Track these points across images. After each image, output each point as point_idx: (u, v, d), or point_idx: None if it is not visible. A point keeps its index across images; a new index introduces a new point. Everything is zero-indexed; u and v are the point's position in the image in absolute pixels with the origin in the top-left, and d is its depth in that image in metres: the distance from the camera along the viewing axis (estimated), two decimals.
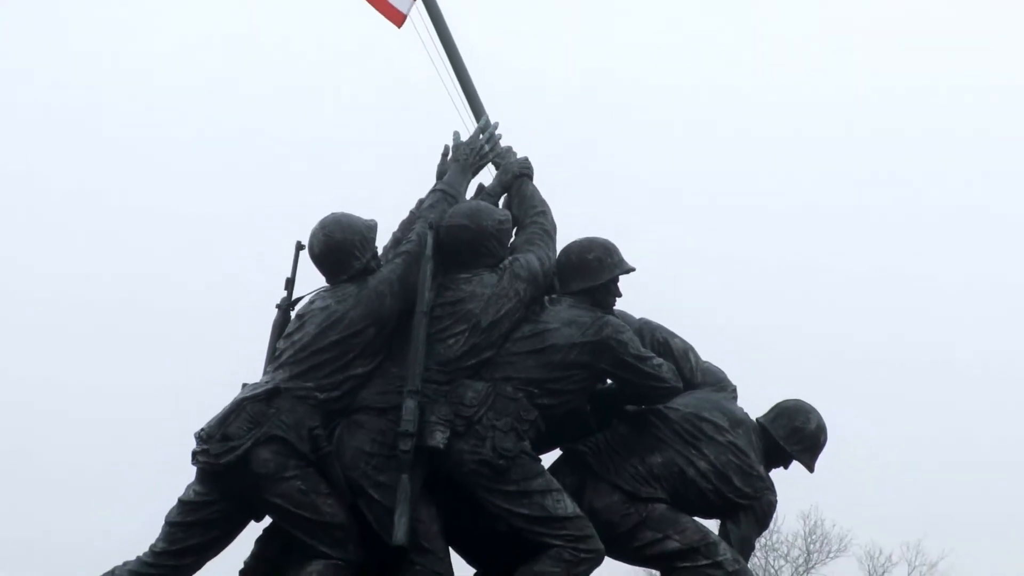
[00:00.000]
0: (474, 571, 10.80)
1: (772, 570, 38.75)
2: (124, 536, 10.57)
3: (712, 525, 10.87)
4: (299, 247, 10.75)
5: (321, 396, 10.24)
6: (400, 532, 9.92)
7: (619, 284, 10.84)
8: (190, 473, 10.47)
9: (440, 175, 11.18)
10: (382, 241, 10.82)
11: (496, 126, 11.40)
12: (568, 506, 10.26)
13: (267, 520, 10.48)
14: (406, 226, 10.91)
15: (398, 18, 11.68)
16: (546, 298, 10.71)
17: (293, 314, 10.69)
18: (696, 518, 10.76)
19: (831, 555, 40.68)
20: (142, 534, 10.49)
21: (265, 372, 10.51)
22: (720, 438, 10.81)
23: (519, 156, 11.35)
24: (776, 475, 11.16)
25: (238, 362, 10.72)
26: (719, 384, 11.26)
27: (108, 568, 10.36)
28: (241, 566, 10.62)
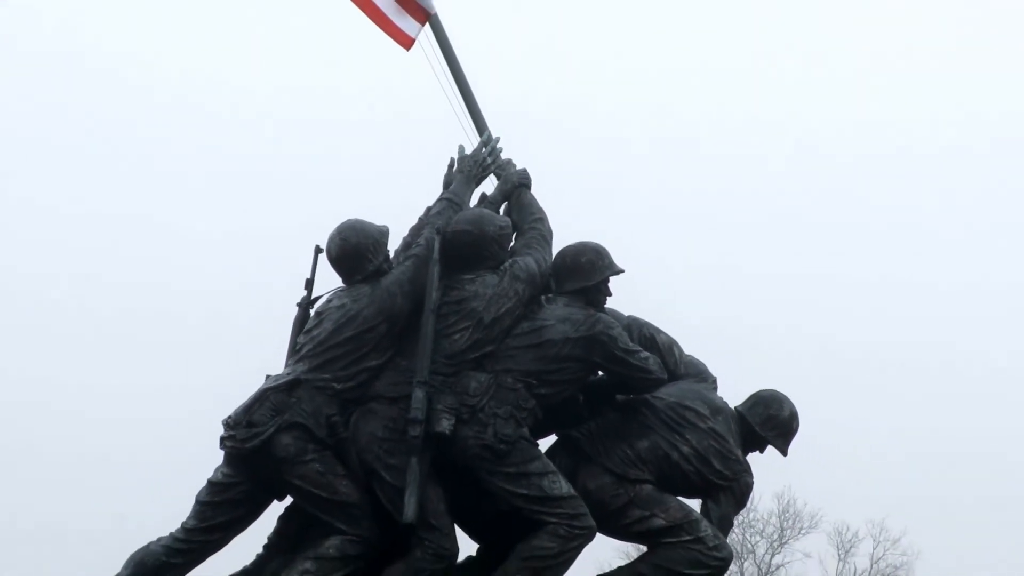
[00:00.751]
0: (478, 546, 10.81)
1: (749, 545, 38.74)
2: (139, 523, 10.60)
3: (694, 504, 10.88)
4: (317, 250, 10.75)
5: (338, 386, 10.27)
6: (410, 510, 9.95)
7: (609, 284, 10.84)
8: (199, 469, 10.52)
9: (446, 185, 11.21)
10: (393, 245, 10.80)
11: (497, 140, 11.39)
12: (563, 487, 10.29)
13: (288, 499, 10.51)
14: (415, 231, 10.90)
15: (407, 41, 11.64)
16: (543, 297, 10.72)
17: (312, 312, 10.70)
18: (680, 498, 10.77)
19: (803, 532, 40.69)
20: (157, 521, 10.54)
21: (286, 365, 10.54)
22: (702, 425, 10.82)
23: (518, 168, 11.37)
24: (753, 458, 11.19)
25: (256, 361, 10.75)
26: (700, 375, 11.28)
27: (128, 552, 10.40)
28: (265, 541, 10.66)
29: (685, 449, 10.74)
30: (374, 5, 11.66)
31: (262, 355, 10.79)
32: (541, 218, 11.09)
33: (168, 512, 10.66)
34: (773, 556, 40.22)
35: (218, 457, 10.42)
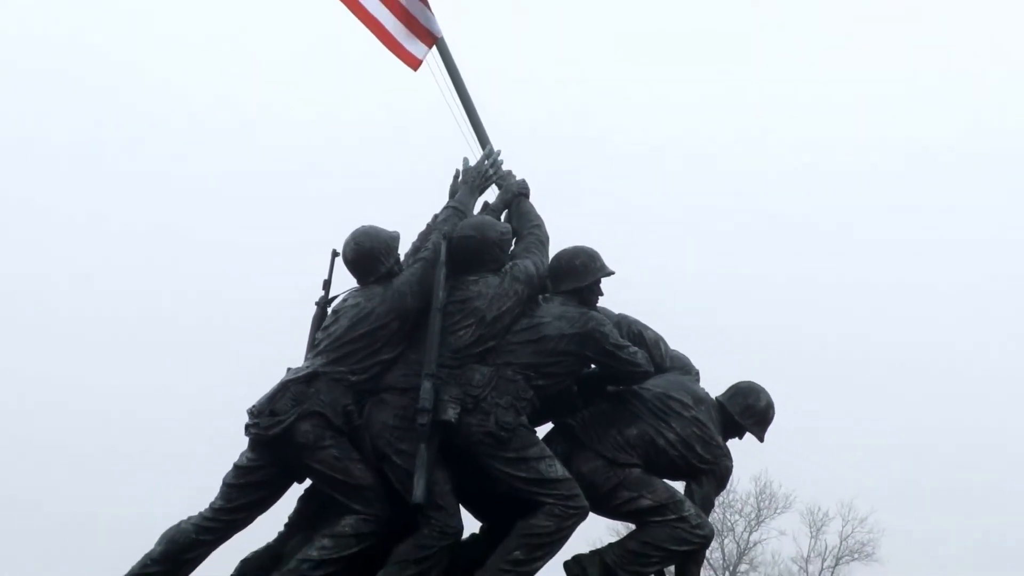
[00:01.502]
0: (481, 524, 10.85)
1: (729, 524, 38.73)
2: (165, 510, 10.65)
3: (679, 486, 10.90)
4: (334, 254, 10.76)
5: (353, 378, 10.29)
6: (419, 492, 9.97)
7: (601, 285, 10.86)
8: (217, 463, 10.55)
9: (452, 194, 11.20)
10: (403, 248, 10.82)
11: (498, 153, 11.38)
12: (559, 470, 10.31)
13: (307, 482, 10.53)
14: (423, 236, 10.92)
15: (415, 63, 11.61)
16: (540, 297, 10.73)
17: (329, 310, 10.72)
18: (665, 480, 10.79)
19: (778, 511, 40.68)
20: (177, 509, 10.59)
21: (306, 358, 10.54)
22: (685, 413, 10.84)
23: (518, 179, 11.36)
24: (732, 444, 11.21)
25: (271, 359, 10.78)
26: (684, 368, 11.28)
27: (151, 537, 10.41)
28: (286, 520, 10.70)
29: (670, 436, 10.75)
30: (385, 29, 11.62)
31: (273, 355, 10.81)
32: (539, 224, 11.11)
33: (189, 499, 10.68)
34: (751, 534, 40.26)
35: (234, 447, 10.46)
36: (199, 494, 10.59)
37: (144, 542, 10.36)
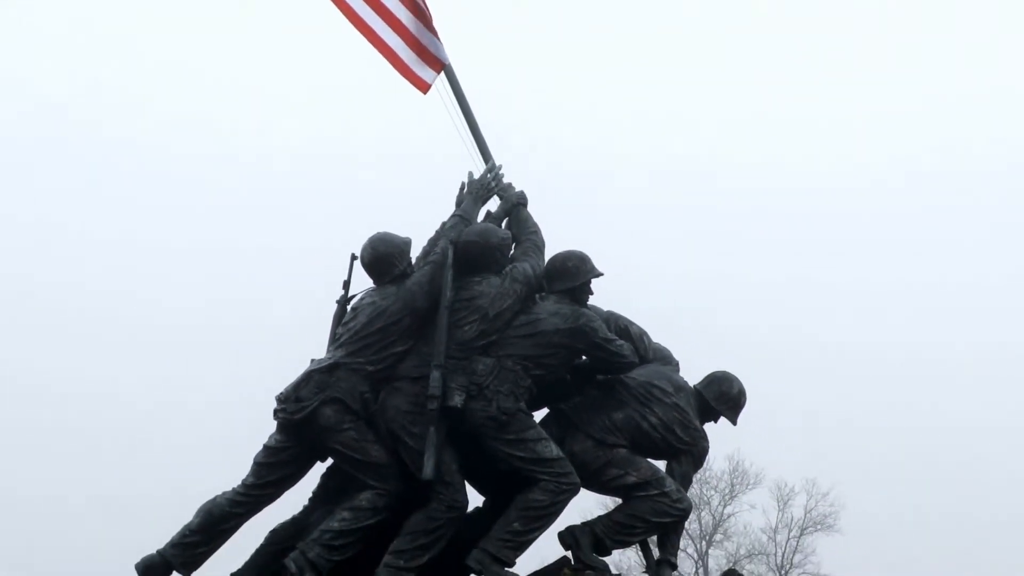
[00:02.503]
0: (484, 499, 10.85)
1: (705, 498, 38.69)
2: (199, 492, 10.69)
3: (661, 465, 10.91)
4: (353, 258, 10.75)
5: (370, 368, 10.29)
6: (428, 469, 10.01)
7: (591, 284, 10.84)
8: (240, 451, 10.59)
9: (458, 203, 11.16)
10: (415, 252, 10.82)
11: (500, 167, 11.34)
12: (553, 450, 10.33)
13: (329, 461, 10.57)
14: (432, 242, 10.88)
15: (424, 87, 11.54)
16: (537, 295, 10.74)
17: (349, 308, 10.70)
18: (649, 459, 10.80)
19: (749, 487, 40.61)
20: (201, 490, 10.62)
21: (328, 350, 10.55)
22: (666, 400, 10.84)
23: (517, 190, 11.33)
24: (708, 427, 11.22)
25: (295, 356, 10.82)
26: (666, 359, 11.27)
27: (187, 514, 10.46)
28: (310, 495, 10.72)
29: (653, 420, 10.76)
30: (397, 56, 11.56)
31: (300, 348, 10.83)
32: (535, 231, 11.10)
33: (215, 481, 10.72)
34: (725, 507, 40.23)
35: (257, 434, 10.53)
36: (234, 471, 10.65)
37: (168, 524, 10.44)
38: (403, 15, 11.66)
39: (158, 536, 10.46)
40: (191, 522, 10.35)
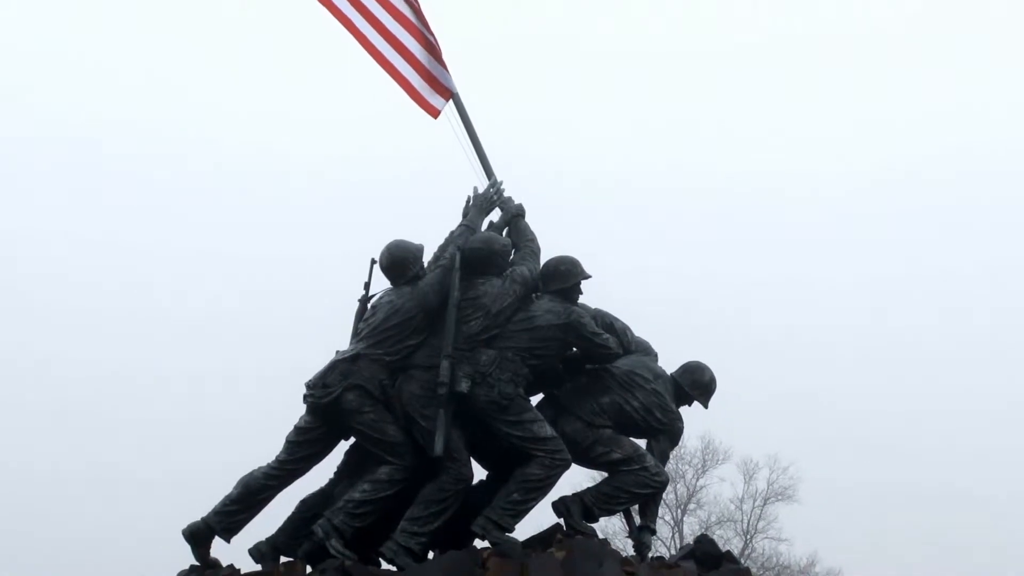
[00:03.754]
0: (487, 473, 10.85)
1: (680, 472, 38.57)
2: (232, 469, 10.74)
3: (642, 443, 10.93)
4: (373, 262, 10.74)
5: (387, 359, 10.31)
6: (438, 446, 10.03)
7: (581, 285, 10.84)
8: (269, 435, 10.69)
9: (464, 214, 11.17)
10: (426, 257, 10.84)
11: (501, 183, 11.34)
12: (548, 431, 10.36)
13: (352, 440, 10.58)
14: (442, 248, 10.90)
15: (434, 112, 11.54)
16: (533, 295, 10.75)
17: (369, 306, 10.72)
18: (631, 438, 10.82)
19: (719, 462, 40.48)
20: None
21: (350, 343, 10.57)
22: (647, 386, 10.85)
23: (516, 203, 11.30)
24: (683, 410, 11.23)
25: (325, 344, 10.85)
26: (645, 351, 11.24)
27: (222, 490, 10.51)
28: (336, 469, 10.76)
29: (635, 403, 10.78)
30: (411, 84, 11.55)
31: (325, 341, 10.88)
32: (532, 239, 11.09)
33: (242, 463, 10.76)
34: (697, 480, 40.17)
35: (285, 420, 10.59)
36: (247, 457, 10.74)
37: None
38: (415, 48, 11.64)
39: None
40: (231, 493, 10.38)
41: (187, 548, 10.34)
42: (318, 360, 10.53)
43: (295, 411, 10.57)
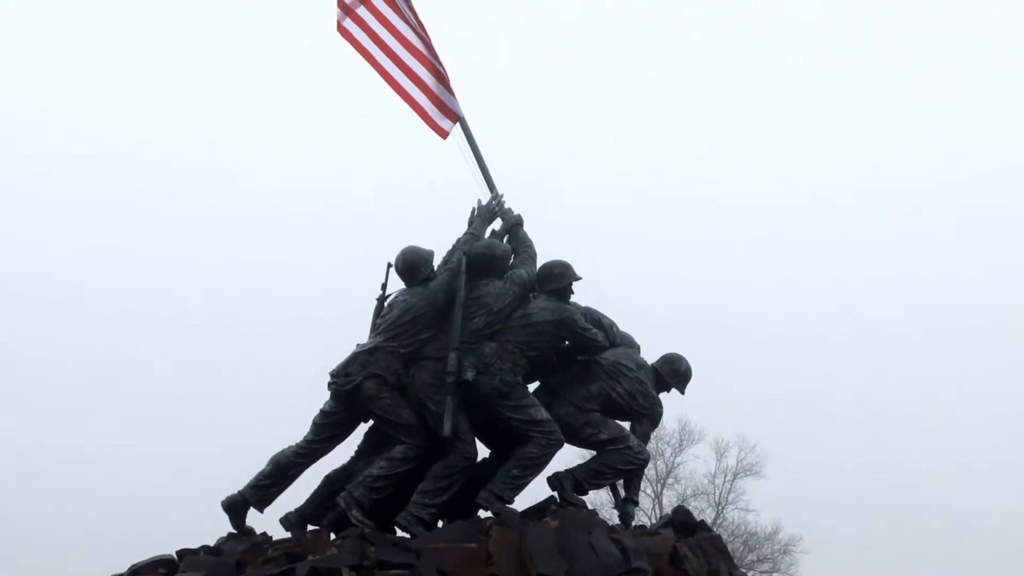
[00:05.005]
0: (490, 452, 10.84)
1: (659, 451, 38.56)
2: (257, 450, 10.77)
3: (626, 425, 10.93)
4: (389, 265, 10.74)
5: (402, 351, 10.33)
6: (447, 428, 10.07)
7: (572, 286, 10.80)
8: (294, 421, 10.73)
9: (470, 223, 11.16)
10: (436, 261, 10.82)
11: (502, 196, 11.32)
12: (543, 414, 10.38)
13: (371, 422, 10.59)
14: (450, 253, 10.90)
15: (443, 133, 11.51)
16: (530, 295, 10.75)
17: (386, 304, 10.71)
18: (617, 421, 10.83)
19: (694, 442, 40.50)
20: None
21: (369, 337, 10.57)
22: (630, 375, 10.85)
23: (515, 213, 11.27)
24: (663, 396, 11.22)
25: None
26: (629, 344, 11.25)
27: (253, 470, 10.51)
28: (357, 448, 10.75)
29: (620, 390, 10.79)
30: (422, 108, 11.50)
31: (346, 336, 10.89)
32: (529, 245, 11.08)
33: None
34: (675, 457, 40.17)
35: (308, 406, 10.63)
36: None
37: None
38: (426, 78, 11.58)
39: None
40: (264, 469, 10.41)
41: (226, 518, 10.39)
42: (340, 352, 10.56)
43: (320, 397, 10.57)
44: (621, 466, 10.73)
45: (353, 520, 9.98)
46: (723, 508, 40.13)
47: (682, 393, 11.35)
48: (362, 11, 11.57)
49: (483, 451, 10.72)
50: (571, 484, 10.60)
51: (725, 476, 40.69)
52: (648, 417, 11.04)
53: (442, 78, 11.58)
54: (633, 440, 10.76)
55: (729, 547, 11.35)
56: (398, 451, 10.23)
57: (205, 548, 10.16)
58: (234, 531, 10.37)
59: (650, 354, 11.30)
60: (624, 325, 11.34)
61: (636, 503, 11.09)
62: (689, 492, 39.57)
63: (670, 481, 39.54)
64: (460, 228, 11.14)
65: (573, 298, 10.94)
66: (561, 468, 10.76)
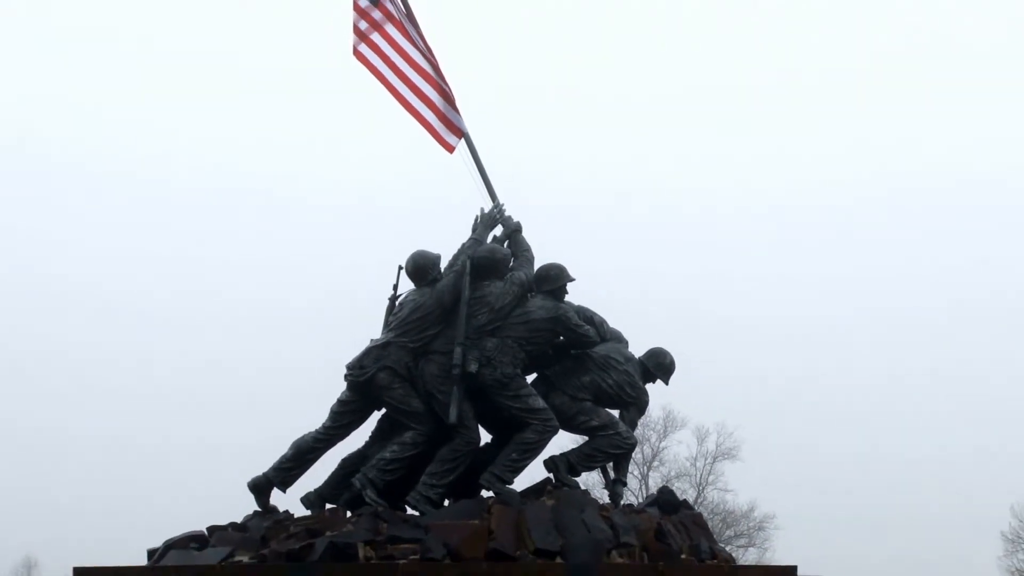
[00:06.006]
0: (492, 437, 10.78)
1: (646, 436, 38.65)
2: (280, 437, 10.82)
3: (615, 413, 10.90)
4: (400, 268, 10.71)
5: (412, 346, 10.30)
6: (452, 415, 10.06)
7: (566, 287, 10.75)
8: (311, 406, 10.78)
9: (473, 229, 11.02)
10: (443, 264, 10.76)
11: (503, 205, 11.22)
12: (540, 403, 10.37)
13: (383, 410, 10.58)
14: (455, 257, 10.80)
15: (450, 148, 11.43)
16: (528, 294, 10.69)
17: (397, 303, 10.68)
18: (607, 409, 10.81)
19: (677, 428, 40.64)
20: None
21: (382, 333, 10.53)
22: (619, 367, 10.81)
23: (515, 220, 11.18)
24: (649, 387, 11.19)
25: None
26: (618, 339, 11.18)
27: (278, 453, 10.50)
28: (370, 434, 10.74)
29: (610, 381, 10.75)
30: (430, 123, 11.44)
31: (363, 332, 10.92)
32: (527, 249, 11.02)
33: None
34: (660, 442, 40.27)
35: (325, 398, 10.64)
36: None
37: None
38: (434, 97, 11.51)
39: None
40: (286, 453, 10.42)
41: (251, 498, 10.41)
42: (356, 346, 10.58)
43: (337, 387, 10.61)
44: (611, 450, 10.72)
45: (367, 499, 9.99)
46: (703, 488, 40.24)
47: (666, 384, 11.33)
48: (376, 37, 11.59)
49: (485, 436, 10.72)
50: (565, 466, 10.60)
51: (705, 459, 40.83)
52: (635, 406, 11.02)
53: (448, 98, 11.55)
54: (622, 426, 10.77)
55: (709, 524, 11.35)
56: (408, 436, 10.23)
57: (233, 525, 10.19)
58: (259, 509, 10.38)
59: (637, 348, 11.29)
60: (613, 321, 11.35)
61: (624, 484, 11.06)
62: (673, 474, 39.71)
63: (655, 464, 39.65)
64: (464, 234, 11.12)
65: (567, 297, 10.92)
66: (556, 452, 10.75)
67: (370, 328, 10.75)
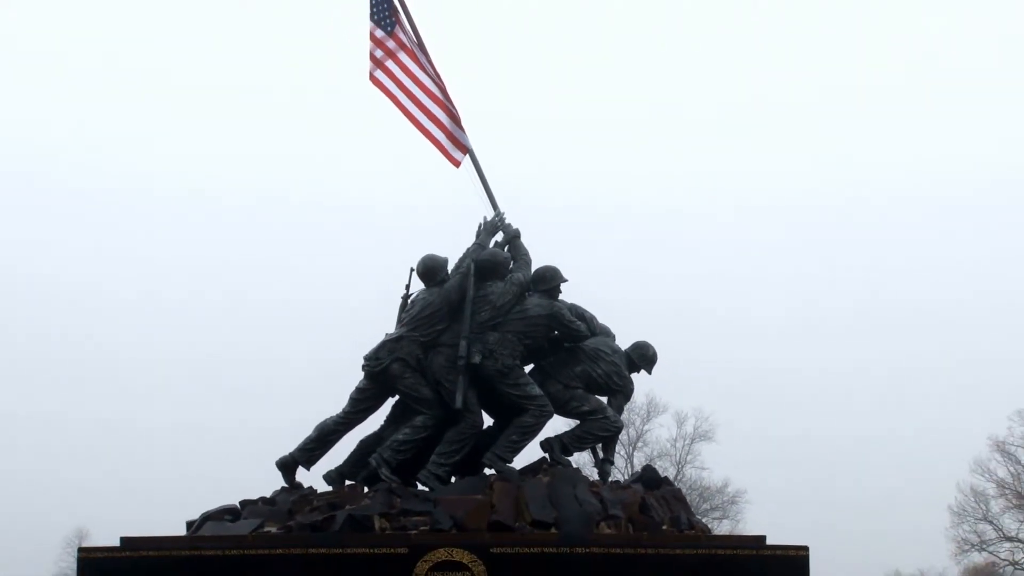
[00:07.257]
0: (494, 421, 10.75)
1: (631, 420, 38.63)
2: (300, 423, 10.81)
3: (604, 399, 10.85)
4: (411, 270, 10.67)
5: (422, 340, 10.29)
6: (458, 401, 10.06)
7: (560, 287, 10.71)
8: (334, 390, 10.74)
9: (477, 236, 11.00)
10: (450, 266, 10.73)
11: (504, 213, 11.19)
12: (537, 391, 10.36)
13: (397, 397, 10.54)
14: (461, 260, 10.80)
15: (456, 163, 11.41)
16: (526, 294, 10.68)
17: (409, 301, 10.64)
18: (597, 396, 10.80)
19: (659, 413, 40.63)
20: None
21: (396, 328, 10.51)
22: (608, 359, 10.81)
23: (514, 227, 11.13)
24: (634, 376, 11.15)
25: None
26: (607, 333, 11.15)
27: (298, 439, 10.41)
28: (385, 418, 10.70)
29: (599, 371, 10.75)
30: (437, 139, 11.42)
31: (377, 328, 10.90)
32: (525, 253, 10.96)
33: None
34: (644, 425, 40.25)
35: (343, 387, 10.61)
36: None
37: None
38: (441, 116, 11.51)
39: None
40: (310, 435, 10.40)
41: (279, 475, 10.41)
42: (371, 340, 10.52)
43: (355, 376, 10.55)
44: (600, 432, 10.72)
45: (383, 476, 9.98)
46: (683, 467, 40.20)
47: (649, 373, 11.33)
48: (390, 64, 11.60)
49: (488, 421, 10.71)
50: (559, 447, 10.61)
51: (684, 441, 40.78)
52: (622, 393, 11.02)
53: (455, 118, 11.55)
54: (610, 411, 10.77)
55: (687, 498, 11.34)
56: (419, 420, 10.22)
57: (263, 499, 10.20)
58: (286, 485, 10.38)
59: (624, 341, 11.29)
60: (602, 317, 11.34)
61: (612, 463, 11.05)
62: (655, 454, 39.67)
63: (640, 445, 39.64)
64: (468, 239, 11.10)
65: (561, 296, 10.89)
66: (551, 435, 10.75)
67: (385, 323, 10.79)
